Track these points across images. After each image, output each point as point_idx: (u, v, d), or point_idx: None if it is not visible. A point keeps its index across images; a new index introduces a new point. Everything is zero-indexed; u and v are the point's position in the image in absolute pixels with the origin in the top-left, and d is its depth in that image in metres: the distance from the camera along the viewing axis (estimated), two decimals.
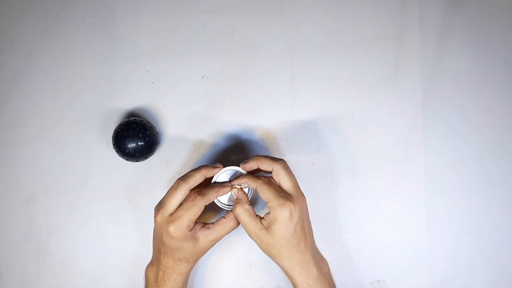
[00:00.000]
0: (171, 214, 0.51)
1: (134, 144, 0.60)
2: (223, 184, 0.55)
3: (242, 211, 0.52)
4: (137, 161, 0.62)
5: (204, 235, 0.53)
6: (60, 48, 0.66)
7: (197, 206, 0.51)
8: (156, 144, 0.62)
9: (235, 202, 0.54)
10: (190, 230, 0.52)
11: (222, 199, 0.57)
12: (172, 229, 0.50)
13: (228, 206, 0.57)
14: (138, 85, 0.66)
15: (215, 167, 0.55)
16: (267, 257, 0.63)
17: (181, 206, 0.51)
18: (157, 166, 0.65)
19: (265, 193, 0.52)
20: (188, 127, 0.65)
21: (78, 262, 0.65)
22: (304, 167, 0.64)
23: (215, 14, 0.66)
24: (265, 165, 0.53)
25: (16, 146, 0.66)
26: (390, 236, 0.64)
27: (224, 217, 0.55)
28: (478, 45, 0.65)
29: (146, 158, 0.62)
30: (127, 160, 0.61)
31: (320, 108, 0.65)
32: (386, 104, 0.65)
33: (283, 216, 0.50)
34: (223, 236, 0.55)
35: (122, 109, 0.66)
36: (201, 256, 0.56)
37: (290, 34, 0.66)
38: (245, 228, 0.53)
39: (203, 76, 0.66)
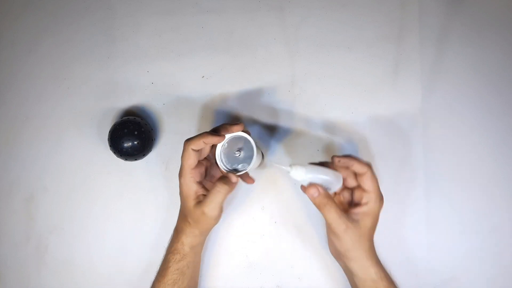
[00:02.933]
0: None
1: (130, 143, 0.60)
2: (215, 134, 0.53)
3: (334, 208, 0.52)
4: (135, 159, 0.62)
5: (204, 199, 0.54)
6: (60, 48, 0.66)
7: (185, 150, 0.53)
8: (152, 140, 0.62)
9: (320, 199, 0.52)
10: (195, 183, 0.54)
11: (225, 161, 0.55)
12: (179, 178, 0.54)
13: (225, 168, 0.55)
14: (138, 85, 0.66)
15: (232, 125, 0.55)
16: (267, 257, 0.63)
17: None
18: (157, 166, 0.65)
19: (371, 182, 0.53)
20: (188, 127, 0.65)
21: (78, 262, 0.65)
22: None
23: (215, 14, 0.66)
24: (359, 166, 0.53)
25: (16, 146, 0.66)
26: (390, 236, 0.64)
27: (218, 182, 0.53)
28: (478, 45, 0.65)
29: (144, 155, 0.62)
30: (126, 160, 0.61)
31: (320, 108, 0.65)
32: (386, 104, 0.65)
33: (378, 210, 0.54)
34: (213, 205, 0.53)
35: (122, 109, 0.66)
36: (201, 228, 0.56)
37: (290, 34, 0.66)
38: (334, 224, 0.52)
39: (203, 76, 0.66)
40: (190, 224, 0.55)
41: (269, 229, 0.65)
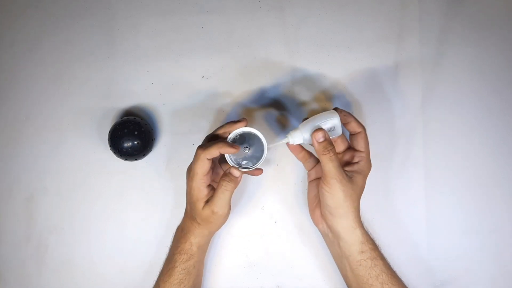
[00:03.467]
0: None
1: (130, 143, 0.60)
2: (231, 144, 0.54)
3: (336, 157, 0.52)
4: (135, 159, 0.62)
5: (209, 201, 0.54)
6: (60, 48, 0.66)
7: (199, 159, 0.53)
8: (152, 140, 0.62)
9: (326, 145, 0.52)
10: (206, 186, 0.54)
11: (234, 159, 0.55)
12: (188, 180, 0.55)
13: (236, 164, 0.55)
14: (138, 85, 0.66)
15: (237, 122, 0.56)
16: (267, 257, 0.63)
17: None
18: (156, 166, 0.65)
19: (364, 142, 0.56)
20: (188, 127, 0.65)
21: (78, 262, 0.65)
22: (304, 167, 0.64)
23: (215, 14, 0.66)
24: (355, 124, 0.55)
25: (16, 146, 0.66)
26: (390, 236, 0.64)
27: (222, 181, 0.53)
28: (478, 45, 0.65)
29: (144, 155, 0.62)
30: (126, 160, 0.61)
31: (320, 108, 0.65)
32: (386, 104, 0.65)
33: (367, 171, 0.56)
34: (221, 203, 0.53)
35: (121, 109, 0.66)
36: (210, 228, 0.56)
37: (290, 34, 0.66)
38: (333, 173, 0.52)
39: (203, 76, 0.66)
40: (200, 225, 0.56)
41: (269, 229, 0.65)
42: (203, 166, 0.53)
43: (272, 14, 0.66)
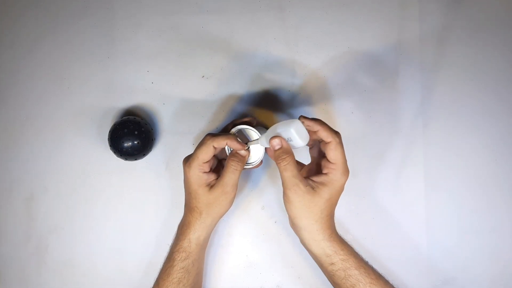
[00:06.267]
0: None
1: (130, 143, 0.60)
2: (239, 141, 0.54)
3: (291, 166, 0.50)
4: (135, 159, 0.62)
5: (216, 182, 0.54)
6: (60, 48, 0.66)
7: (205, 144, 0.52)
8: (152, 140, 0.62)
9: (280, 153, 0.51)
10: (204, 173, 0.54)
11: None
12: (186, 168, 0.54)
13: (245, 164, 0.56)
14: (138, 85, 0.66)
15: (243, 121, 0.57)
16: (267, 257, 0.63)
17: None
18: (157, 166, 0.65)
19: (338, 153, 0.51)
20: (188, 127, 0.65)
21: (78, 262, 0.65)
22: None
23: (215, 14, 0.66)
24: (325, 133, 0.51)
25: (16, 146, 0.66)
26: (390, 236, 0.64)
27: (230, 161, 0.54)
28: (478, 45, 0.65)
29: (144, 155, 0.62)
30: (126, 159, 0.61)
31: (320, 108, 0.65)
32: (386, 104, 0.65)
33: (341, 182, 0.51)
34: (233, 183, 0.54)
35: (122, 109, 0.66)
36: (215, 213, 0.56)
37: (290, 34, 0.66)
38: (286, 182, 0.51)
39: (203, 76, 0.66)
40: (201, 215, 0.55)
41: (269, 229, 0.65)
42: (207, 152, 0.53)
43: (272, 14, 0.66)
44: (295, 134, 0.50)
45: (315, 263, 0.57)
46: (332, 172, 0.51)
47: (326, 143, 0.51)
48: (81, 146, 0.65)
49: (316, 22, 0.66)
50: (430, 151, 0.64)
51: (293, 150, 0.52)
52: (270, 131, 0.53)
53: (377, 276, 0.53)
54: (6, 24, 0.66)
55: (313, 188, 0.51)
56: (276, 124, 0.52)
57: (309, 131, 0.51)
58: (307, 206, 0.51)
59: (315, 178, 0.52)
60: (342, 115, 0.65)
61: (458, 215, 0.64)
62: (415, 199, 0.64)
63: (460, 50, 0.65)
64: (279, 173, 0.65)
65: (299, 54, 0.65)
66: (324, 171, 0.52)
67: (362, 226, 0.64)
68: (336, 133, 0.52)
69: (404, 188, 0.64)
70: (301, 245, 0.64)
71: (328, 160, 0.52)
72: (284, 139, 0.51)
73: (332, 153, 0.51)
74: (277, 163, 0.51)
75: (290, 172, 0.50)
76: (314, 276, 0.64)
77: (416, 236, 0.64)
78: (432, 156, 0.64)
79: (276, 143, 0.51)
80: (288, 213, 0.53)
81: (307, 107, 0.65)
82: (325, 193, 0.51)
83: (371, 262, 0.55)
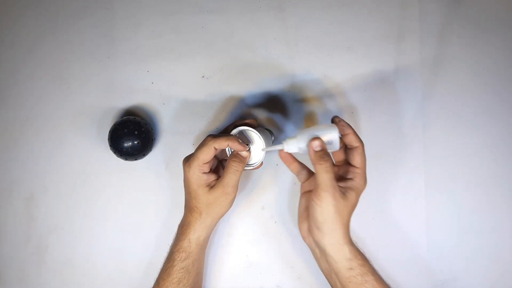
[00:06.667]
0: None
1: (130, 143, 0.60)
2: (241, 142, 0.54)
3: (332, 169, 0.50)
4: (135, 159, 0.62)
5: (217, 182, 0.54)
6: (60, 48, 0.66)
7: (206, 145, 0.53)
8: (152, 140, 0.62)
9: (322, 154, 0.50)
10: (204, 173, 0.54)
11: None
12: (186, 168, 0.54)
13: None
14: (138, 85, 0.66)
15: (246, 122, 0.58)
16: (267, 257, 0.63)
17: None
18: (157, 166, 0.65)
19: (360, 158, 0.53)
20: (188, 127, 0.65)
21: (78, 262, 0.65)
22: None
23: (215, 14, 0.66)
24: (354, 137, 0.53)
25: (16, 146, 0.66)
26: (390, 236, 0.64)
27: (231, 162, 0.54)
28: (478, 45, 0.65)
29: (144, 155, 0.62)
30: (126, 159, 0.61)
31: (320, 108, 0.65)
32: (386, 104, 0.65)
33: (363, 188, 0.53)
34: (233, 183, 0.54)
35: (122, 109, 0.66)
36: (215, 214, 0.56)
37: (290, 34, 0.66)
38: (326, 184, 0.50)
39: (203, 76, 0.66)
40: (201, 215, 0.55)
41: (269, 229, 0.65)
42: (208, 153, 0.53)
43: (272, 14, 0.66)
44: (337, 139, 0.51)
45: (315, 263, 0.57)
46: (358, 177, 0.53)
47: (354, 147, 0.53)
48: (81, 146, 0.65)
49: (316, 22, 0.66)
50: (430, 151, 0.64)
51: None
52: (304, 135, 0.51)
53: (387, 284, 0.54)
54: (6, 24, 0.66)
55: (343, 193, 0.52)
56: (311, 127, 0.52)
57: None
58: (339, 210, 0.51)
59: (342, 184, 0.53)
60: (342, 115, 0.65)
61: (458, 215, 0.64)
62: (415, 199, 0.64)
63: (460, 50, 0.65)
64: (279, 174, 0.65)
65: (299, 54, 0.65)
66: (349, 176, 0.54)
67: (362, 226, 0.64)
68: (361, 140, 0.54)
69: (404, 188, 0.64)
70: (301, 245, 0.64)
71: (353, 165, 0.53)
72: (324, 141, 0.51)
73: (359, 157, 0.53)
74: (317, 164, 0.50)
75: (331, 175, 0.50)
76: (314, 276, 0.64)
77: (416, 236, 0.64)
78: (432, 156, 0.64)
79: (318, 144, 0.51)
80: (312, 219, 0.52)
81: (307, 107, 0.65)
82: (353, 198, 0.52)
83: (371, 262, 0.55)
